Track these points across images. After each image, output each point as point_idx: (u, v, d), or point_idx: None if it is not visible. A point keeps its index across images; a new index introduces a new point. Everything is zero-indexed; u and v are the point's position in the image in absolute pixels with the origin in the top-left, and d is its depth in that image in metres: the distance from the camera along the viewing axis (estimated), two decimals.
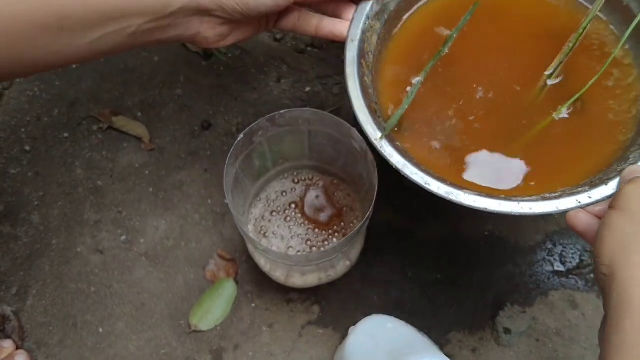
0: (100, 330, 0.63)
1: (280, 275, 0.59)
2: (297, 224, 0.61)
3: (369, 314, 0.59)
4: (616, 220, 0.38)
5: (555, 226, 0.66)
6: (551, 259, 0.65)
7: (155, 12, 0.46)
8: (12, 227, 0.67)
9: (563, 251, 0.65)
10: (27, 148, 0.71)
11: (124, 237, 0.67)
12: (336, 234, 0.60)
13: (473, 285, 0.64)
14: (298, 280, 0.58)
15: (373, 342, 0.44)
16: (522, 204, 0.45)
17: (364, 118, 0.48)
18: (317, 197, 0.61)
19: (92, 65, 0.75)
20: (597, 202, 0.44)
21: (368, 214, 0.47)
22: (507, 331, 0.61)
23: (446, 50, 0.55)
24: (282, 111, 0.50)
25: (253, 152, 0.53)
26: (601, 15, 0.56)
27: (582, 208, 0.44)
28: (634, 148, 0.48)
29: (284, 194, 0.62)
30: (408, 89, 0.53)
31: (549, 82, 0.53)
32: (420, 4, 0.58)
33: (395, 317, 0.58)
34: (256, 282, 0.64)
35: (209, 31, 0.49)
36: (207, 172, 0.69)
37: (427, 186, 0.47)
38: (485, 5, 0.56)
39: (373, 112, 0.49)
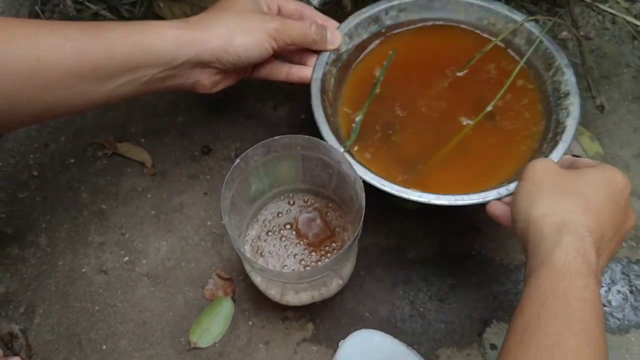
0: (104, 347, 0.66)
1: (275, 293, 0.61)
2: (292, 244, 0.64)
3: None
4: (523, 186, 0.50)
5: None
6: None
7: (166, 64, 0.56)
8: (20, 249, 0.71)
9: None
10: (35, 173, 0.75)
11: (126, 258, 0.70)
12: (328, 254, 0.63)
13: (461, 302, 0.67)
14: (292, 298, 0.61)
15: (362, 355, 0.47)
16: (456, 196, 0.58)
17: (329, 139, 0.60)
18: (311, 218, 0.64)
19: None
20: (511, 193, 0.57)
21: (356, 233, 0.50)
22: (494, 347, 0.64)
23: (377, 91, 0.69)
24: (276, 137, 0.53)
25: (249, 176, 0.57)
26: (512, 54, 0.72)
27: (499, 199, 0.58)
28: (538, 155, 0.63)
29: (280, 215, 0.65)
30: (353, 125, 0.66)
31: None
32: (365, 52, 0.72)
33: (387, 332, 0.61)
34: (253, 300, 0.67)
35: (206, 79, 0.61)
36: (207, 195, 0.73)
37: (382, 187, 0.57)
38: (408, 50, 0.72)
39: (336, 134, 0.61)
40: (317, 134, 0.60)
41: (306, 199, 0.66)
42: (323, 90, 0.65)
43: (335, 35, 0.67)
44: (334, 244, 0.63)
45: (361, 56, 0.72)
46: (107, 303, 0.68)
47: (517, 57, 0.70)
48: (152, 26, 0.56)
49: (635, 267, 0.68)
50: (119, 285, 0.69)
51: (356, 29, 0.70)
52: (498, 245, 0.70)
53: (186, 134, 0.76)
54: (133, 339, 0.66)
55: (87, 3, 0.84)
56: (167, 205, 0.72)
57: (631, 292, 0.67)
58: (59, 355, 0.65)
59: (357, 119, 0.66)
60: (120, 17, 0.84)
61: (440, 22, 0.73)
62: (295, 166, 0.59)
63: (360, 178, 0.53)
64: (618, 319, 0.66)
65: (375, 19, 0.71)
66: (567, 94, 0.65)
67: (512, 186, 0.58)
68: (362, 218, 0.51)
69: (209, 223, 0.71)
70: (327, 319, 0.66)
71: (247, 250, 0.64)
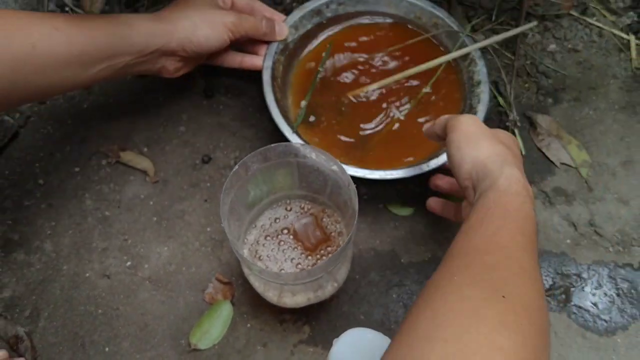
0: (107, 349, 0.68)
1: (272, 295, 0.64)
2: (289, 248, 0.66)
3: None
4: (461, 136, 0.55)
5: None
6: None
7: (139, 52, 0.65)
8: (26, 254, 0.73)
9: None
10: (41, 181, 0.77)
11: (129, 263, 0.72)
12: (324, 257, 0.65)
13: None
14: (289, 300, 0.63)
15: (354, 351, 0.49)
16: (386, 171, 0.68)
17: (279, 121, 0.70)
18: (307, 224, 0.67)
19: (101, 105, 0.82)
20: (433, 168, 0.68)
21: (350, 235, 0.53)
22: None
23: (317, 80, 0.79)
24: (272, 145, 0.56)
25: (248, 183, 0.59)
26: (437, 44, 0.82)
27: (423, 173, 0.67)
28: None
29: (277, 220, 0.67)
30: (299, 109, 0.77)
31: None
32: (310, 46, 0.82)
33: None
34: (251, 303, 0.69)
35: (170, 65, 0.71)
36: (207, 202, 0.75)
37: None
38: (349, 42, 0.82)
39: (285, 117, 0.71)
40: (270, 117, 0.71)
41: (302, 205, 0.68)
42: (273, 77, 0.75)
43: (283, 27, 0.76)
44: (329, 248, 0.66)
45: (306, 49, 0.82)
46: (110, 306, 0.70)
47: (442, 48, 0.81)
48: (127, 18, 0.65)
49: (622, 271, 0.71)
50: (122, 289, 0.71)
51: (301, 21, 0.80)
52: None
53: (187, 143, 0.79)
54: (135, 341, 0.68)
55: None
56: (168, 212, 0.75)
57: (617, 295, 0.69)
58: (63, 357, 0.67)
59: (303, 104, 0.77)
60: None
61: (376, 16, 0.83)
62: (292, 173, 0.62)
63: (354, 184, 0.55)
64: (605, 321, 0.68)
65: (318, 11, 0.81)
66: (479, 83, 0.75)
67: (433, 162, 0.69)
68: (355, 221, 0.53)
69: (209, 229, 0.74)
70: (323, 321, 0.68)
71: (245, 254, 0.66)
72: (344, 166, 0.61)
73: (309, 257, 0.65)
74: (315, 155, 0.57)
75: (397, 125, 0.76)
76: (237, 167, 0.54)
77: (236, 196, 0.58)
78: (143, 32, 0.65)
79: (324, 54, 0.80)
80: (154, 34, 0.66)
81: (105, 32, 0.62)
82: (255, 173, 0.58)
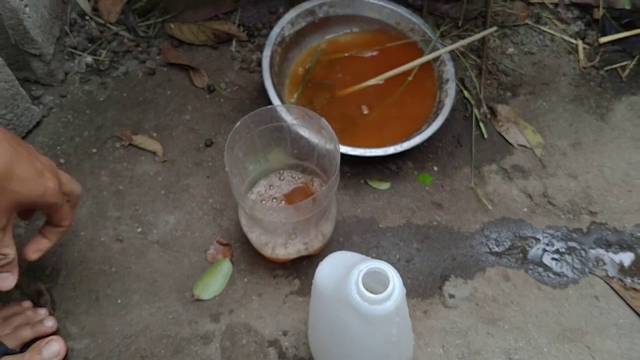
0: (119, 301, 0.76)
1: (267, 249, 0.73)
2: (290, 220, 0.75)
3: None
4: None
5: (491, 217, 0.82)
6: (488, 243, 0.80)
7: None
8: None
9: (497, 237, 0.81)
10: (62, 161, 0.87)
11: (140, 229, 0.82)
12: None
13: (424, 263, 0.79)
14: (281, 251, 0.73)
15: (336, 266, 0.58)
16: (365, 149, 0.80)
17: (275, 102, 0.81)
18: (298, 188, 0.77)
19: (116, 98, 0.93)
20: (406, 149, 0.80)
21: (333, 178, 0.63)
22: (452, 296, 0.75)
23: (307, 77, 0.91)
24: (268, 107, 0.67)
25: (248, 142, 0.69)
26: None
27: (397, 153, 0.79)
28: (424, 126, 0.84)
29: (272, 187, 0.77)
30: (292, 100, 0.89)
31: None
32: (306, 43, 0.94)
33: None
34: (248, 262, 0.79)
35: None
36: (209, 178, 0.85)
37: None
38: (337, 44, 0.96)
39: (280, 99, 0.82)
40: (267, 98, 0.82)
41: (294, 175, 0.78)
42: (271, 65, 0.86)
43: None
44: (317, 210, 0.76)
45: (302, 44, 0.94)
46: (123, 265, 0.79)
47: (417, 50, 0.93)
48: None
49: (573, 235, 0.81)
50: (133, 251, 0.80)
51: (296, 19, 0.91)
52: (456, 217, 0.82)
53: (192, 130, 0.90)
54: (144, 294, 0.77)
55: (108, 25, 0.99)
56: (175, 186, 0.85)
57: (569, 254, 0.79)
58: (80, 308, 0.76)
59: (293, 99, 0.89)
60: (137, 37, 0.99)
61: (362, 21, 0.96)
62: (285, 139, 0.72)
63: (338, 145, 0.66)
64: (558, 276, 0.78)
65: (311, 11, 0.93)
66: (447, 80, 0.87)
67: (406, 144, 0.81)
68: (338, 166, 0.63)
69: (210, 200, 0.84)
70: (311, 276, 0.77)
71: (243, 217, 0.76)
72: None
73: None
74: (301, 114, 0.68)
75: (378, 115, 0.88)
76: (239, 123, 0.65)
77: (240, 149, 0.68)
78: None
79: (314, 56, 0.93)
80: None
81: None
82: (253, 135, 0.68)
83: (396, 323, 0.55)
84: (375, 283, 0.53)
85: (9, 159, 0.55)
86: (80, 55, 0.96)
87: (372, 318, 0.52)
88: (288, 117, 0.70)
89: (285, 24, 0.89)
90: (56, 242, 0.67)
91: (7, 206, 0.57)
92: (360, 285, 0.51)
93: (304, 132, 0.72)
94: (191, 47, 0.98)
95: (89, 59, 0.96)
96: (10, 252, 0.60)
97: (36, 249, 0.66)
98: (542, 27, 0.99)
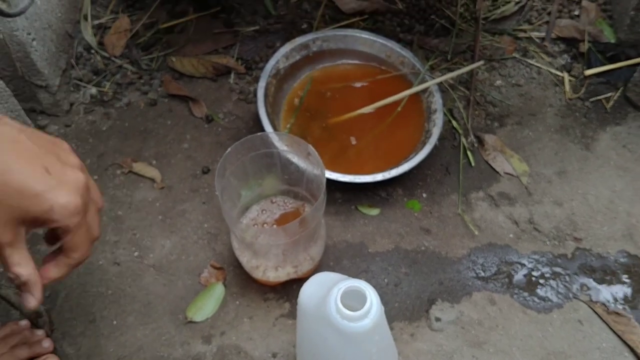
0: (114, 322, 0.79)
1: (258, 272, 0.75)
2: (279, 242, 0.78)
3: None
4: None
5: (477, 243, 0.84)
6: (474, 267, 0.82)
7: None
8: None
9: (484, 262, 0.83)
10: None
11: (136, 253, 0.84)
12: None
13: (412, 287, 0.81)
14: (272, 274, 0.75)
15: (319, 286, 0.60)
16: (355, 176, 0.83)
17: (268, 129, 0.85)
18: (289, 213, 0.79)
19: (118, 127, 0.97)
20: (394, 176, 0.83)
21: (319, 200, 0.65)
22: (438, 319, 0.77)
23: (300, 106, 0.95)
24: (258, 133, 0.70)
25: (240, 168, 0.72)
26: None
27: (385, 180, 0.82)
28: (412, 154, 0.87)
29: (264, 212, 0.80)
30: (287, 127, 0.93)
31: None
32: (301, 75, 0.98)
33: None
34: (241, 285, 0.81)
35: None
36: (205, 204, 0.88)
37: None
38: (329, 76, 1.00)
39: (274, 127, 0.86)
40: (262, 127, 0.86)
41: (285, 201, 0.81)
42: (266, 95, 0.90)
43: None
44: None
45: (297, 76, 0.98)
46: (119, 288, 0.81)
47: (407, 82, 0.97)
48: None
49: (557, 260, 0.83)
50: (129, 274, 0.83)
51: (291, 52, 0.96)
52: (443, 242, 0.84)
53: (190, 157, 0.93)
54: (139, 316, 0.79)
55: (113, 58, 1.04)
56: (172, 212, 0.88)
57: (553, 279, 0.81)
58: (76, 329, 0.78)
59: (287, 128, 0.93)
60: (140, 70, 1.03)
61: (353, 55, 1.00)
62: (275, 164, 0.75)
63: (324, 170, 0.69)
64: (543, 300, 0.79)
65: (305, 45, 0.97)
66: (435, 111, 0.91)
67: (394, 171, 0.84)
68: (324, 189, 0.66)
69: (205, 225, 0.86)
70: None
71: (235, 241, 0.78)
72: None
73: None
74: (290, 141, 0.71)
75: (368, 143, 0.91)
76: (230, 149, 0.68)
77: (232, 174, 0.71)
78: None
79: (305, 87, 0.97)
80: None
81: None
82: (244, 161, 0.71)
83: (375, 341, 0.57)
84: (355, 302, 0.55)
85: (3, 168, 0.47)
86: (85, 86, 1.00)
87: (351, 335, 0.54)
88: (278, 144, 0.74)
89: (280, 57, 0.93)
90: (62, 276, 0.56)
91: (8, 221, 0.48)
92: (339, 303, 0.53)
93: (293, 158, 0.75)
94: (191, 79, 1.03)
95: (94, 90, 1.00)
96: (23, 272, 0.51)
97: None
98: (529, 60, 1.02)
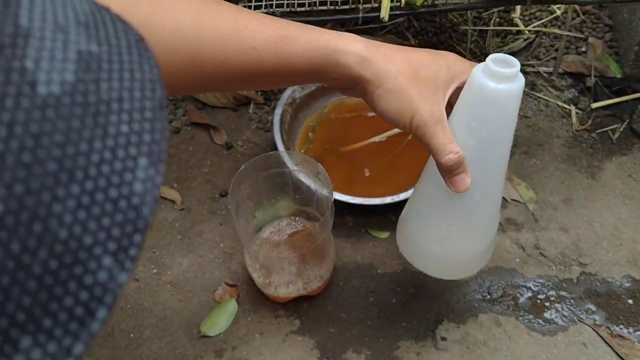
0: (131, 335, 0.82)
1: (270, 288, 0.79)
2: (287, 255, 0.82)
3: (339, 327, 0.78)
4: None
5: (484, 266, 0.86)
6: (481, 290, 0.84)
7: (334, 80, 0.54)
8: None
9: (490, 285, 0.85)
10: None
11: (155, 270, 0.88)
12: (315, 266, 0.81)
13: (419, 307, 0.83)
14: (283, 290, 0.78)
15: None
16: (364, 199, 0.86)
17: (285, 156, 0.83)
18: (300, 232, 0.83)
19: None
20: (400, 200, 0.85)
21: (326, 215, 0.69)
22: (444, 339, 0.79)
23: (311, 135, 1.00)
24: (270, 152, 0.74)
25: (253, 186, 0.77)
26: None
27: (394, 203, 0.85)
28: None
29: (277, 232, 0.84)
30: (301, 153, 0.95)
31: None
32: (316, 105, 1.03)
33: (359, 330, 0.78)
34: (253, 302, 0.84)
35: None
36: (222, 225, 0.92)
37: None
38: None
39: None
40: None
41: (298, 221, 0.85)
42: (281, 122, 0.95)
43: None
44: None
45: (312, 105, 1.03)
46: (137, 302, 0.85)
47: None
48: (337, 43, 0.51)
49: (563, 284, 0.84)
50: (147, 289, 0.86)
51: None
52: None
53: (209, 181, 0.98)
54: (155, 329, 0.82)
55: None
56: (190, 232, 0.92)
57: (558, 302, 0.83)
58: (95, 340, 0.82)
59: (302, 152, 0.96)
60: (166, 100, 1.09)
61: None
62: (287, 183, 0.79)
63: (332, 188, 0.73)
64: (548, 323, 0.81)
65: None
66: None
67: (402, 195, 0.86)
68: (331, 205, 0.70)
69: (221, 245, 0.90)
70: (311, 317, 0.82)
71: (248, 258, 0.82)
72: (335, 193, 0.79)
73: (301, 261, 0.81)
74: (301, 160, 0.76)
75: (380, 169, 0.95)
76: (244, 166, 0.72)
77: (242, 195, 0.75)
78: (348, 68, 0.51)
79: (319, 116, 1.02)
80: (358, 74, 0.51)
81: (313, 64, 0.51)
82: (257, 179, 0.76)
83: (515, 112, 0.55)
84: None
85: None
86: None
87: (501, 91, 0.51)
88: (289, 163, 0.78)
89: (296, 87, 0.98)
90: None
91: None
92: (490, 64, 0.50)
93: (304, 178, 0.79)
94: (213, 108, 1.08)
95: None
96: (458, 149, 0.52)
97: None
98: (537, 94, 1.06)
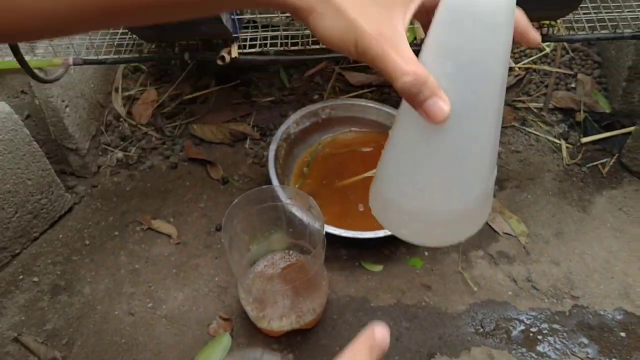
0: None
1: (263, 321, 0.79)
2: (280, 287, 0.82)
3: None
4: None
5: (477, 299, 0.87)
6: (473, 323, 0.85)
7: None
8: (68, 296, 0.90)
9: (483, 318, 0.85)
10: (87, 242, 0.97)
11: (150, 304, 0.89)
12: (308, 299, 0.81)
13: (412, 341, 0.83)
14: (276, 324, 0.79)
15: None
16: (356, 232, 0.87)
17: (279, 190, 0.84)
18: (293, 265, 0.84)
19: (141, 188, 1.04)
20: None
21: (318, 248, 0.70)
22: None
23: (306, 171, 1.02)
24: (264, 186, 0.76)
25: (247, 219, 0.78)
26: None
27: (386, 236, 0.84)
28: None
29: (270, 266, 0.85)
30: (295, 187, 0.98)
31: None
32: (311, 140, 1.05)
33: None
34: (246, 335, 0.84)
35: None
36: (217, 259, 0.93)
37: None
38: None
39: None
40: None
41: (292, 254, 0.86)
42: (276, 157, 0.96)
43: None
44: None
45: (307, 141, 1.05)
46: (132, 337, 0.86)
47: None
48: None
49: (555, 317, 0.85)
50: (143, 324, 0.87)
51: (301, 119, 1.03)
52: (444, 298, 0.87)
53: (205, 215, 0.99)
54: None
55: (139, 125, 1.13)
56: (185, 265, 0.93)
57: (550, 335, 0.83)
58: None
59: (296, 187, 0.98)
60: (164, 136, 1.12)
61: (360, 122, 1.07)
62: (280, 217, 0.80)
63: (323, 221, 0.74)
64: (541, 356, 0.81)
65: (315, 113, 1.04)
66: None
67: None
68: (323, 238, 0.71)
69: (216, 279, 0.91)
70: (305, 351, 0.83)
71: (243, 292, 0.83)
72: (331, 227, 0.80)
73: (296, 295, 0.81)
74: (294, 194, 0.77)
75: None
76: (238, 199, 0.74)
77: (237, 228, 0.76)
78: None
79: (313, 152, 1.04)
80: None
81: None
82: (251, 213, 0.77)
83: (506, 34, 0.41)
84: None
85: None
86: (112, 151, 1.09)
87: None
88: (282, 197, 0.79)
89: (290, 123, 1.01)
90: None
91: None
92: None
93: (297, 212, 0.80)
94: (210, 144, 1.11)
95: (120, 154, 1.09)
96: (415, 68, 0.40)
97: None
98: (528, 129, 1.08)
